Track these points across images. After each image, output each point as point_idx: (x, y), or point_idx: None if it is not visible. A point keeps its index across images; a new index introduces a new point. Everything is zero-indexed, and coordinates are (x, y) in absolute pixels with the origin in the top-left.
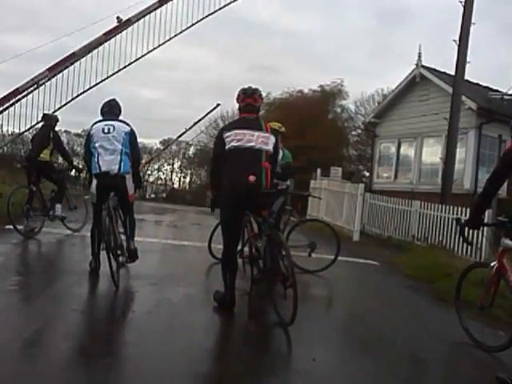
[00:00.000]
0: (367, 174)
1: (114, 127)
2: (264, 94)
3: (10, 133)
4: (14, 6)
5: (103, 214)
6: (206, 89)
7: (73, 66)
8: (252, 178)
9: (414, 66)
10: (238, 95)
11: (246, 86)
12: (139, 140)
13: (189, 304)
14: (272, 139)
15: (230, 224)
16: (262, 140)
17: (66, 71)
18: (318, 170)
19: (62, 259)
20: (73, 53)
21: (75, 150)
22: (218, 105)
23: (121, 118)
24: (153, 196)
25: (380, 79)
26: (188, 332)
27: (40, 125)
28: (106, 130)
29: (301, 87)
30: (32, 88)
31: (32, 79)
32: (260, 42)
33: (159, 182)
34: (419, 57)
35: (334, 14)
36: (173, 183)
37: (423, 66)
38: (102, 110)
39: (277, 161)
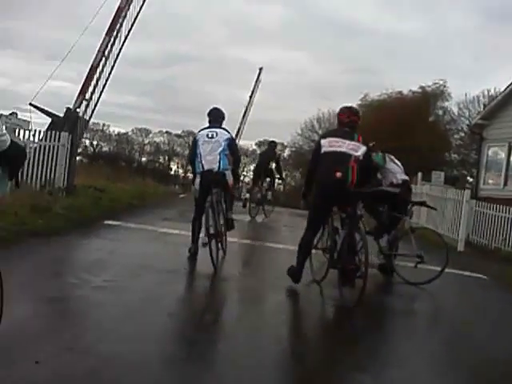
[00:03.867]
0: (470, 180)
1: (216, 133)
2: (361, 95)
3: (116, 133)
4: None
5: (207, 206)
6: (302, 91)
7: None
8: (339, 174)
9: None
10: (343, 112)
11: (348, 105)
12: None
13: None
14: (362, 148)
15: (316, 214)
16: (351, 147)
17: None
18: (419, 175)
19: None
20: (118, 7)
21: (175, 149)
22: (261, 68)
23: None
24: (247, 195)
25: (485, 80)
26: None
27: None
28: (209, 135)
29: (400, 88)
30: (103, 61)
31: (98, 51)
32: (358, 44)
33: None
34: None
35: (436, 13)
36: None
37: None
38: (208, 117)
39: (369, 168)
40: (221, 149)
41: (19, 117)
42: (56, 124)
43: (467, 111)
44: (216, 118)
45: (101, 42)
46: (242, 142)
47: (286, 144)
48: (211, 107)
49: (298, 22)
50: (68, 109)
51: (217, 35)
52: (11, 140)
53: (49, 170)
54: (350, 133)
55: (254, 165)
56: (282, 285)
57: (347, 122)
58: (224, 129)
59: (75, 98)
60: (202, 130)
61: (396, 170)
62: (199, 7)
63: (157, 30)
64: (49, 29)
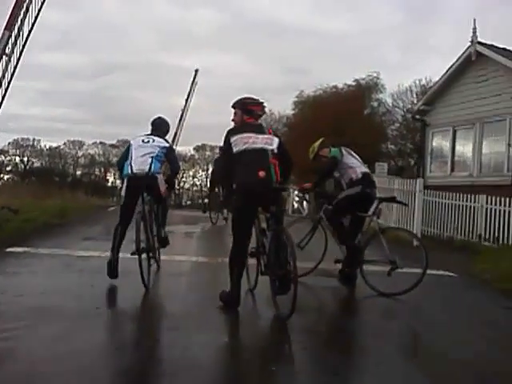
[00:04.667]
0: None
1: (153, 140)
2: (296, 93)
3: (47, 147)
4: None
5: (137, 217)
6: (238, 93)
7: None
8: (262, 173)
9: (469, 44)
10: (246, 101)
11: (249, 95)
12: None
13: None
14: (275, 140)
15: (242, 222)
16: (265, 141)
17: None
18: None
19: None
20: None
21: (110, 160)
22: (197, 70)
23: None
24: (189, 203)
25: (415, 71)
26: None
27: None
28: (145, 141)
29: (335, 83)
30: (3, 60)
31: None
32: (289, 44)
33: (194, 188)
34: (474, 32)
35: (361, 10)
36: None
37: (479, 43)
38: (151, 126)
39: (288, 160)
40: (155, 153)
41: None
42: None
43: (401, 102)
44: (159, 127)
45: None
46: (179, 148)
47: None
48: (155, 116)
49: (230, 26)
50: None
51: (148, 42)
52: None
53: None
54: (261, 126)
55: (193, 170)
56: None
57: (250, 111)
58: (163, 138)
59: None
60: (139, 136)
61: (355, 163)
62: (128, 16)
63: (86, 40)
64: None
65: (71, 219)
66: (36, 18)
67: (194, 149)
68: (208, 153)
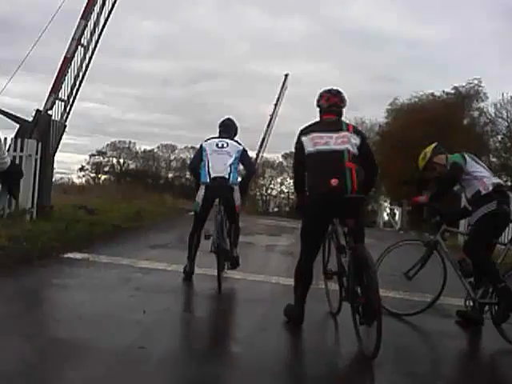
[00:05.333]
0: None
1: (227, 144)
2: (389, 100)
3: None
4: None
5: (217, 218)
6: None
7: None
8: (334, 181)
9: None
10: (321, 95)
11: (328, 87)
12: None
13: None
14: (354, 138)
15: (309, 233)
16: (340, 141)
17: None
18: None
19: None
20: None
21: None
22: (287, 75)
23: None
24: (276, 209)
25: None
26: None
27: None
28: (219, 145)
29: (432, 90)
30: (80, 50)
31: (72, 39)
32: (379, 53)
33: (282, 195)
34: None
35: (459, 17)
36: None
37: None
38: (219, 128)
39: (371, 164)
40: (231, 160)
41: None
42: (24, 130)
43: (505, 112)
44: (227, 129)
45: (75, 27)
46: (267, 155)
47: None
48: (224, 118)
49: (319, 34)
50: (37, 111)
51: (239, 50)
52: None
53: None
54: (336, 122)
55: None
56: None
57: (327, 106)
58: (235, 140)
59: (46, 98)
60: (210, 138)
61: (482, 172)
62: (221, 24)
63: (181, 49)
64: None
65: (145, 223)
66: (112, 8)
67: (283, 156)
68: None
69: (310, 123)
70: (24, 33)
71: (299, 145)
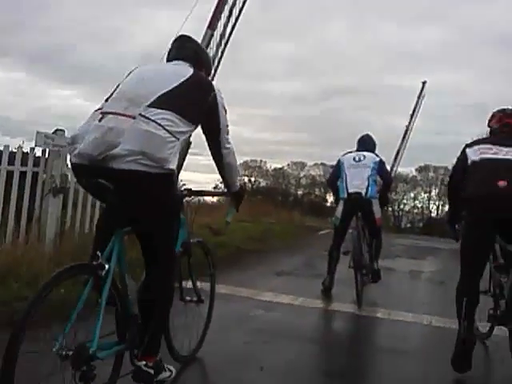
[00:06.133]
0: None
1: (364, 156)
2: None
3: (272, 168)
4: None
5: (354, 233)
6: (465, 112)
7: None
8: (502, 183)
9: None
10: (493, 116)
11: (504, 107)
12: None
13: None
14: None
15: (470, 247)
16: None
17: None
18: None
19: None
20: None
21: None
22: (424, 82)
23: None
24: (408, 225)
25: None
26: None
27: None
28: (356, 159)
29: None
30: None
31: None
32: None
33: (415, 210)
34: None
35: None
36: (430, 212)
37: None
38: (357, 144)
39: None
40: (369, 173)
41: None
42: None
43: None
44: (366, 145)
45: (201, 38)
46: (400, 169)
47: (449, 167)
48: (363, 133)
49: (456, 42)
50: None
51: (370, 65)
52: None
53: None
54: (508, 138)
55: (415, 192)
56: None
57: (498, 127)
58: (373, 152)
59: None
60: (348, 153)
61: None
62: (353, 41)
63: (314, 68)
64: None
65: (272, 244)
66: (237, 18)
67: (416, 170)
68: (431, 174)
69: (478, 139)
70: None
71: (463, 156)
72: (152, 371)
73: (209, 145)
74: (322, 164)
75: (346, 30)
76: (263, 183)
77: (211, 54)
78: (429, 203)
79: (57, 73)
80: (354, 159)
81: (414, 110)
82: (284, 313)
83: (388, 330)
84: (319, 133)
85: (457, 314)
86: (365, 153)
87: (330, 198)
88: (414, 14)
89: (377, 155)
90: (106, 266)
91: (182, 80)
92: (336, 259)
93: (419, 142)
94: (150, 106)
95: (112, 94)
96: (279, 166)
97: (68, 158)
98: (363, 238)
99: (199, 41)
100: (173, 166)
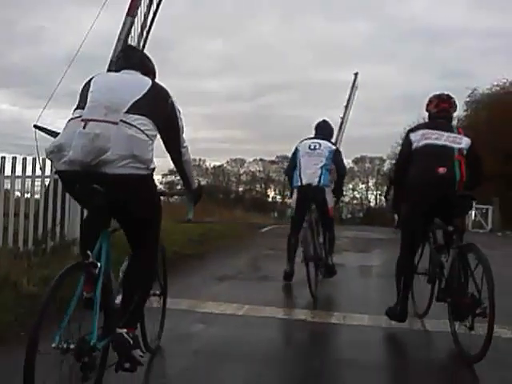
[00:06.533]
0: None
1: (320, 144)
2: (468, 91)
3: (212, 166)
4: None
5: (304, 225)
6: (394, 104)
7: None
8: (442, 169)
9: None
10: (430, 101)
11: (438, 92)
12: None
13: None
14: (466, 140)
15: (410, 227)
16: (452, 139)
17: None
18: None
19: None
20: None
21: (270, 176)
22: (356, 74)
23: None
24: (349, 216)
25: None
26: None
27: None
28: (312, 147)
29: None
30: None
31: (118, 39)
32: (446, 49)
33: (354, 201)
34: None
35: None
36: (369, 202)
37: None
38: (315, 130)
39: (478, 167)
40: (323, 162)
41: None
42: None
43: None
44: (323, 131)
45: (121, 26)
46: None
47: (384, 158)
48: (319, 120)
49: (382, 36)
50: None
51: (302, 60)
52: None
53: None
54: (446, 124)
55: (353, 183)
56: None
57: (436, 112)
58: (329, 141)
59: None
60: (305, 140)
61: None
62: (283, 37)
63: (245, 65)
64: None
65: (213, 246)
66: (158, 5)
67: (353, 161)
68: (368, 165)
69: (419, 123)
70: None
71: (407, 140)
72: (131, 341)
73: (167, 145)
74: (261, 160)
75: (277, 25)
76: (203, 182)
77: (133, 43)
78: (367, 193)
79: None
80: (309, 147)
81: (348, 101)
82: (228, 326)
83: (345, 337)
84: (256, 129)
85: (396, 288)
86: (321, 141)
87: (271, 193)
88: (341, 8)
89: (333, 143)
90: (98, 264)
91: (146, 89)
92: (294, 246)
93: (354, 134)
94: (127, 112)
95: (82, 103)
96: (218, 163)
97: (54, 165)
98: (316, 231)
99: (119, 29)
100: (154, 166)
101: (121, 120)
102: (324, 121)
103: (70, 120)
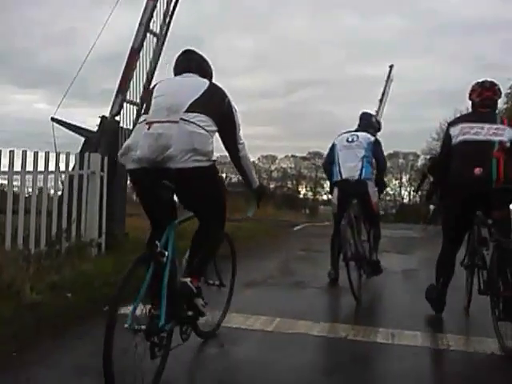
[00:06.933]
0: None
1: (357, 137)
2: (509, 83)
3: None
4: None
5: (342, 223)
6: (430, 98)
7: None
8: (478, 170)
9: None
10: (473, 89)
11: (481, 80)
12: None
13: None
14: (509, 131)
15: (451, 225)
16: (493, 132)
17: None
18: None
19: None
20: None
21: (302, 172)
22: (392, 66)
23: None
24: (382, 213)
25: None
26: None
27: None
28: (349, 139)
29: None
30: (150, 38)
31: (140, 24)
32: (482, 41)
33: (387, 198)
34: None
35: None
36: (402, 198)
37: None
38: (359, 121)
39: None
40: (363, 154)
41: None
42: (90, 143)
43: None
44: (364, 124)
45: (142, 11)
46: None
47: (418, 153)
48: (362, 110)
49: (417, 30)
50: (103, 118)
51: (335, 56)
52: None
53: (67, 215)
54: (489, 114)
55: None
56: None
57: (480, 100)
58: (368, 132)
59: (112, 100)
60: (343, 133)
61: None
62: (313, 33)
63: (278, 61)
64: None
65: (240, 246)
66: None
67: (386, 157)
68: (401, 160)
69: (460, 115)
70: None
71: (446, 135)
72: (194, 290)
73: (225, 143)
74: (293, 156)
75: (308, 21)
76: (235, 179)
77: (156, 30)
78: (400, 190)
79: (15, 77)
80: (347, 140)
81: (382, 95)
82: (256, 345)
83: (395, 362)
84: (287, 126)
85: (435, 280)
86: (359, 133)
87: (303, 190)
88: (374, 5)
89: (372, 134)
90: (166, 253)
91: (203, 89)
92: (339, 248)
93: (387, 130)
94: (186, 111)
95: (146, 110)
96: (251, 160)
97: (125, 164)
98: (356, 228)
99: (140, 14)
100: (214, 158)
101: (181, 118)
102: (364, 112)
103: (136, 125)
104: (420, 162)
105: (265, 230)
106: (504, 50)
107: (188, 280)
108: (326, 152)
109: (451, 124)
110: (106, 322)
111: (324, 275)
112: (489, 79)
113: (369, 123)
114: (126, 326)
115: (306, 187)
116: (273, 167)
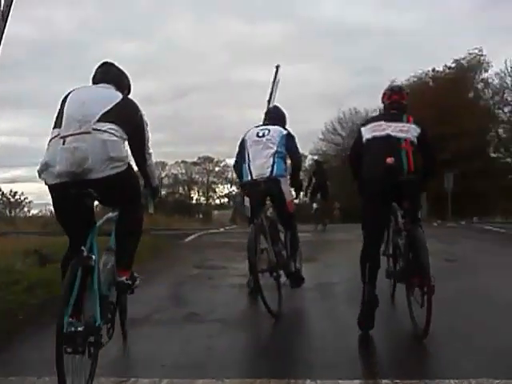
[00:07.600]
0: None
1: (269, 130)
2: (379, 89)
3: None
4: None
5: (251, 228)
6: (311, 101)
7: None
8: (390, 159)
9: None
10: (384, 93)
11: (393, 83)
12: None
13: None
14: (414, 129)
15: (368, 217)
16: (399, 129)
17: None
18: None
19: None
20: None
21: (193, 178)
22: (278, 66)
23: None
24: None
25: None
26: None
27: None
28: (260, 134)
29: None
30: None
31: None
32: (357, 46)
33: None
34: None
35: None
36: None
37: None
38: (264, 117)
39: (429, 155)
40: (274, 150)
41: None
42: None
43: (510, 80)
44: (273, 117)
45: None
46: None
47: (306, 154)
48: (271, 106)
49: (297, 36)
50: None
51: (220, 61)
52: None
53: None
54: (396, 114)
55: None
56: None
57: (389, 103)
58: (280, 125)
59: None
60: (252, 128)
61: None
62: (199, 38)
63: (163, 67)
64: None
65: None
66: None
67: None
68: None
69: (371, 116)
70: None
71: (358, 135)
72: (130, 282)
73: (133, 152)
74: (183, 162)
75: (192, 26)
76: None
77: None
78: None
79: None
80: (257, 135)
81: (270, 95)
82: None
83: None
84: (176, 131)
85: (361, 277)
86: (270, 126)
87: (195, 196)
88: (256, 10)
89: (284, 128)
90: (93, 257)
91: (116, 101)
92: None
93: None
94: (98, 121)
95: (58, 121)
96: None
97: (45, 180)
98: (269, 233)
99: None
100: (129, 160)
101: (93, 128)
102: (274, 106)
103: (50, 140)
104: (308, 163)
105: (152, 244)
106: (376, 54)
107: (124, 279)
108: (236, 150)
109: (363, 124)
110: (56, 328)
111: (225, 300)
112: (398, 84)
113: (278, 116)
114: (64, 331)
115: (198, 192)
116: (163, 174)
